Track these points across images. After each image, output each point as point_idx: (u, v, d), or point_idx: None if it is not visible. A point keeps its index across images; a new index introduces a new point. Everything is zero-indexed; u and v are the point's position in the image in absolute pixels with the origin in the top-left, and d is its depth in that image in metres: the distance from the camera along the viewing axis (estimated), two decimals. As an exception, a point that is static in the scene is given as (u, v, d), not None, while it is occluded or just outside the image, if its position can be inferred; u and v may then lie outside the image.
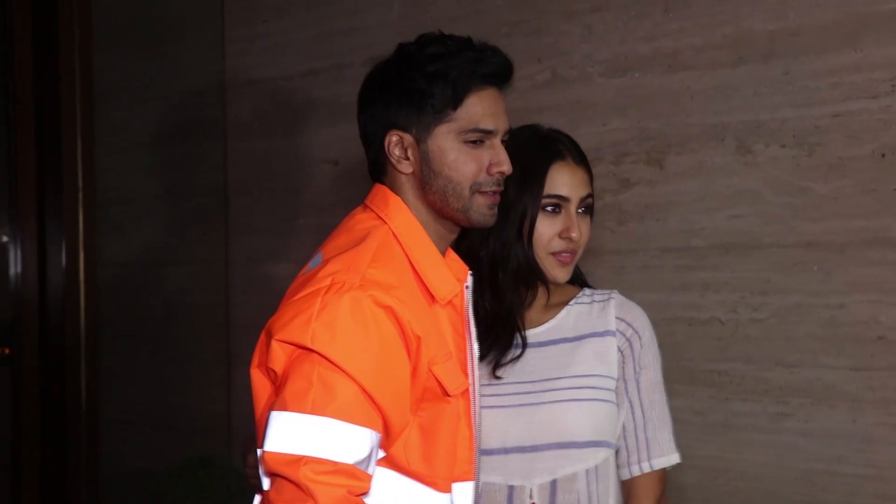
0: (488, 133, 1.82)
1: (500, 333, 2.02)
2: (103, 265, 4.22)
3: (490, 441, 1.98)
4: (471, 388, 1.87)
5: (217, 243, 3.85)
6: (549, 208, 2.01)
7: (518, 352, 2.02)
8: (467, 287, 1.93)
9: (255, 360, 1.78)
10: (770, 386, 2.59)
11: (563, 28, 2.91)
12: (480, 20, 3.06)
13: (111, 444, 4.20)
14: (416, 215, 1.86)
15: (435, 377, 1.76)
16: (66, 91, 4.11)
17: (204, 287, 3.92)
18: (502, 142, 1.86)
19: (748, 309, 2.61)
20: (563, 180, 2.01)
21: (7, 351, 4.21)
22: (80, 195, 4.14)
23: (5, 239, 4.22)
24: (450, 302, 1.87)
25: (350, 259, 1.75)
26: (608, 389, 2.02)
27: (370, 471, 1.68)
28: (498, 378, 2.01)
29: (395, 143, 1.84)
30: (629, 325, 2.05)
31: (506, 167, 1.84)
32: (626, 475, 2.05)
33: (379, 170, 1.90)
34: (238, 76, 3.76)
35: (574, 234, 2.00)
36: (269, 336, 1.72)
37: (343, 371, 1.65)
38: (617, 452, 2.05)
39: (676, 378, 2.67)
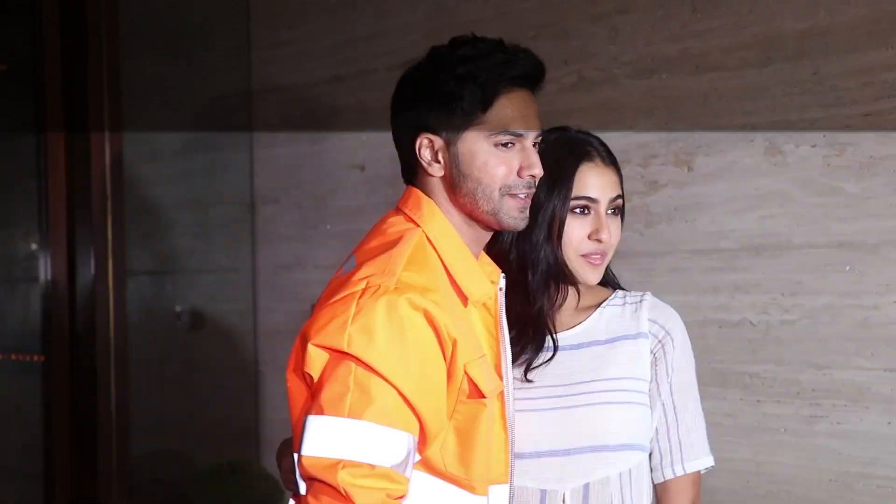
0: (518, 136, 1.81)
1: (531, 336, 2.01)
2: (131, 273, 4.24)
3: (523, 445, 1.97)
4: (505, 391, 1.87)
5: (244, 250, 3.86)
6: (577, 210, 2.00)
7: (549, 354, 2.01)
8: (501, 289, 1.93)
9: (291, 364, 1.78)
10: (802, 388, 2.56)
11: (590, 30, 2.90)
12: (506, 23, 3.05)
13: (141, 451, 4.21)
14: (448, 218, 1.85)
15: (471, 379, 1.76)
16: (94, 99, 4.13)
17: (231, 294, 3.93)
18: (535, 145, 1.85)
19: (779, 310, 2.60)
20: (591, 182, 2.00)
21: (38, 358, 4.23)
22: (109, 203, 4.16)
23: (35, 247, 4.24)
24: (483, 304, 1.87)
25: (384, 262, 1.75)
26: (641, 392, 2.00)
27: (407, 474, 1.68)
28: (530, 381, 2.00)
29: (426, 146, 1.83)
30: (661, 327, 2.03)
31: (536, 170, 1.82)
32: (659, 478, 2.03)
33: (411, 172, 1.89)
34: (264, 83, 3.77)
35: (604, 236, 1.99)
36: (305, 340, 1.72)
37: (380, 375, 1.64)
38: (650, 455, 2.04)
39: (708, 380, 2.65)
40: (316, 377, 1.70)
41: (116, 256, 4.18)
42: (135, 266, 4.23)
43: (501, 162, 1.80)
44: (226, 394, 3.92)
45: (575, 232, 2.00)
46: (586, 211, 2.00)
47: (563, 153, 1.95)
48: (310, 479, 1.66)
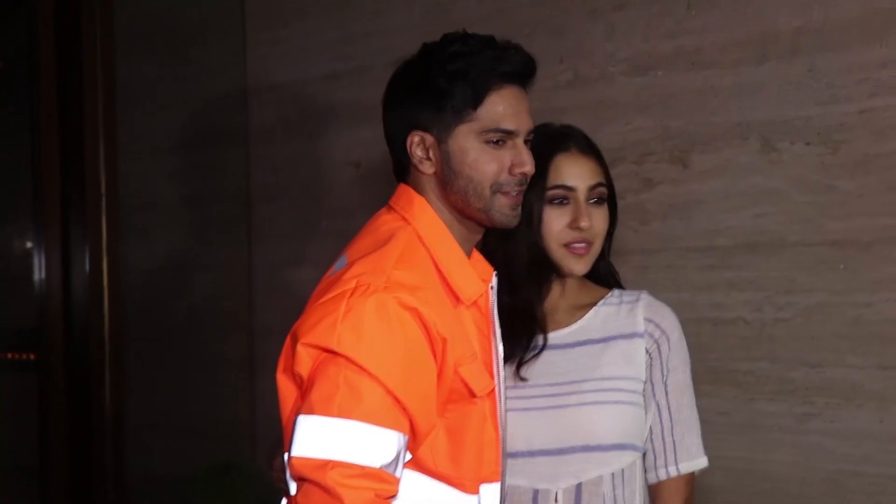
0: (509, 133, 1.81)
1: (519, 331, 2.00)
2: (127, 271, 4.23)
3: (516, 444, 1.96)
4: (496, 389, 1.86)
5: (240, 248, 3.85)
6: (556, 200, 1.99)
7: (537, 349, 2.01)
8: (492, 287, 1.92)
9: (281, 364, 1.77)
10: (796, 386, 2.56)
11: (586, 27, 2.90)
12: (502, 20, 3.05)
13: (136, 449, 4.21)
14: (439, 216, 1.85)
15: (462, 378, 1.76)
16: (89, 97, 4.12)
17: (227, 292, 3.92)
18: (526, 142, 1.85)
19: (773, 308, 2.59)
20: (567, 170, 2.00)
21: (33, 356, 4.23)
22: (104, 201, 4.15)
23: (29, 245, 4.24)
24: (474, 303, 1.87)
25: (375, 261, 1.74)
26: (635, 392, 2.00)
27: (397, 473, 1.67)
28: (524, 380, 1.99)
29: (417, 144, 1.83)
30: (657, 326, 2.03)
31: (528, 167, 1.82)
32: (653, 479, 2.02)
33: (402, 170, 1.89)
34: (260, 80, 3.77)
35: (583, 224, 1.97)
36: (295, 340, 1.72)
37: (369, 374, 1.64)
38: (644, 456, 2.03)
39: (702, 378, 2.63)
40: (306, 376, 1.69)
41: (111, 254, 4.17)
42: (130, 264, 4.23)
43: (493, 159, 1.80)
44: (222, 392, 3.91)
45: (554, 222, 1.99)
46: (565, 201, 1.99)
47: (539, 145, 1.94)
48: (300, 480, 1.66)
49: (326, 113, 3.56)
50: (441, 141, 1.81)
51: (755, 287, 2.62)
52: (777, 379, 2.59)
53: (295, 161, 3.69)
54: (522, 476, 1.97)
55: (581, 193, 2.00)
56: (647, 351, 2.02)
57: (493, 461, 1.85)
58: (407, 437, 1.69)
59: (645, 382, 2.01)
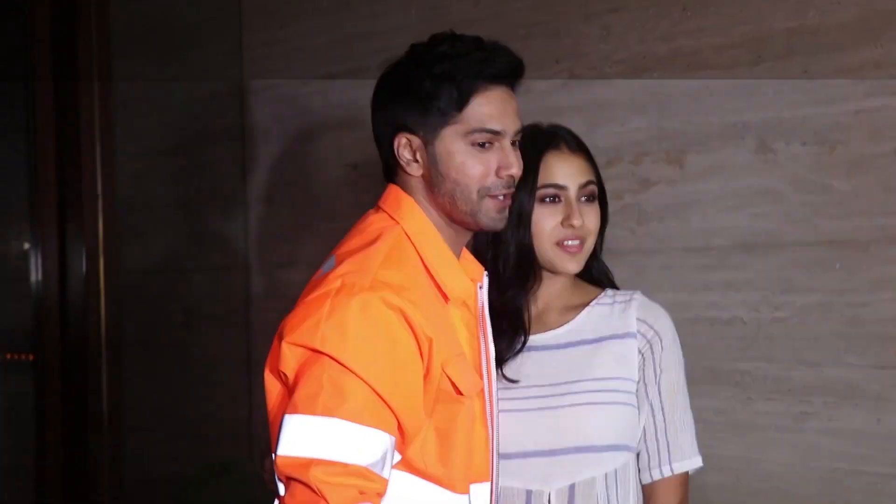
0: (495, 134, 1.80)
1: (505, 329, 2.01)
2: (123, 272, 4.23)
3: (509, 445, 1.96)
4: (486, 389, 1.86)
5: (237, 249, 3.85)
6: (547, 199, 2.00)
7: (518, 346, 2.01)
8: (481, 287, 1.92)
9: (269, 363, 1.77)
10: (793, 385, 2.57)
11: (582, 29, 2.91)
12: (498, 22, 3.05)
13: (133, 450, 4.21)
14: (427, 216, 1.85)
15: (449, 378, 1.75)
16: (85, 98, 4.13)
17: (224, 293, 3.92)
18: (514, 143, 1.85)
19: (770, 308, 2.60)
20: (557, 169, 2.00)
21: (29, 357, 4.23)
22: (100, 202, 4.15)
23: (26, 246, 4.24)
24: (464, 303, 1.87)
25: (361, 261, 1.74)
26: (628, 392, 2.00)
27: (385, 474, 1.67)
28: (514, 380, 2.00)
29: (404, 146, 1.83)
30: (650, 326, 2.03)
31: (514, 170, 1.82)
32: (647, 479, 2.02)
33: (391, 171, 1.89)
34: (257, 81, 3.76)
35: (575, 222, 1.98)
36: (280, 339, 1.72)
37: (354, 373, 1.64)
38: (638, 456, 2.04)
39: (699, 378, 2.65)
40: (290, 376, 1.69)
41: (108, 255, 4.17)
42: (126, 264, 4.23)
43: (479, 162, 1.80)
44: (218, 393, 3.91)
45: (546, 221, 1.99)
46: (556, 199, 2.00)
47: (528, 144, 1.94)
48: (286, 479, 1.66)
49: (323, 114, 3.56)
50: (428, 143, 1.81)
51: (752, 287, 2.63)
52: (774, 378, 2.59)
53: (291, 162, 3.68)
54: (515, 477, 1.97)
55: (572, 192, 2.00)
56: (639, 351, 2.02)
57: (484, 461, 1.85)
58: (394, 437, 1.68)
59: (638, 383, 2.01)
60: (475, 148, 1.80)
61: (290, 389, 1.70)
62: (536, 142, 2.00)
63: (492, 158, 1.80)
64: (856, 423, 2.48)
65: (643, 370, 2.01)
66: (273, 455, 1.68)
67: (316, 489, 1.59)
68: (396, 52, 1.92)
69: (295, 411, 1.65)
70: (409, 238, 1.81)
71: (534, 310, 2.08)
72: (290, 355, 1.69)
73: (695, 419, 2.08)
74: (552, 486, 1.96)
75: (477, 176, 1.80)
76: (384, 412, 1.66)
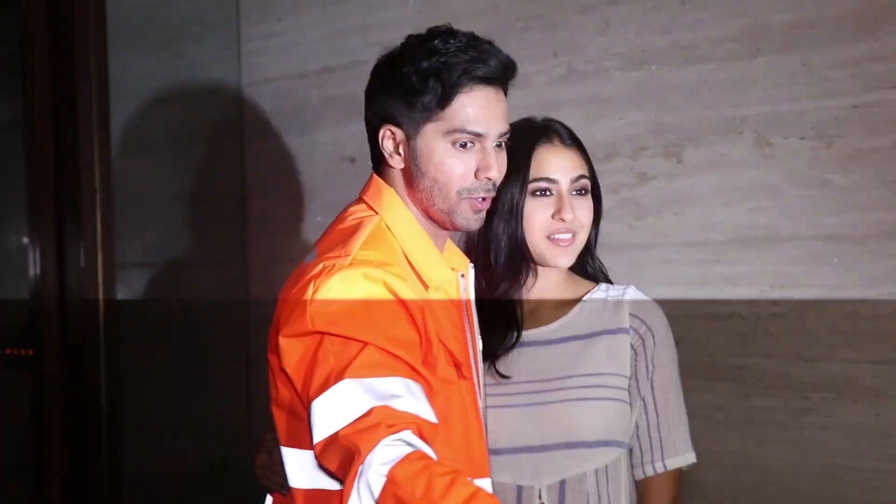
0: (476, 135, 1.79)
1: (498, 323, 2.00)
2: (122, 267, 4.22)
3: (499, 440, 1.96)
4: (475, 381, 1.85)
5: (236, 244, 3.85)
6: (538, 193, 1.99)
7: (511, 342, 2.01)
8: (463, 276, 1.92)
9: (270, 358, 1.77)
10: (791, 381, 2.56)
11: (579, 22, 2.89)
12: (496, 15, 3.04)
13: (132, 446, 4.21)
14: (407, 207, 1.85)
15: (445, 346, 1.75)
16: (82, 93, 4.12)
17: (223, 288, 3.92)
18: (499, 145, 1.83)
19: (768, 303, 2.59)
20: (549, 162, 1.99)
21: (27, 353, 4.23)
22: (98, 197, 4.15)
23: (24, 241, 4.24)
24: (446, 294, 1.86)
25: (341, 247, 1.75)
26: (620, 388, 2.00)
27: (418, 409, 1.58)
28: (505, 376, 1.99)
29: (388, 138, 1.83)
30: (643, 322, 2.02)
31: (493, 172, 1.80)
32: (639, 475, 2.02)
33: (375, 161, 1.90)
34: (254, 75, 3.75)
35: (566, 215, 1.97)
36: (277, 335, 1.72)
37: (351, 339, 1.63)
38: (631, 452, 2.03)
39: (697, 374, 2.65)
40: (291, 371, 1.69)
41: (106, 250, 4.17)
42: (125, 259, 4.22)
43: (459, 162, 1.79)
44: (217, 388, 3.91)
45: (537, 214, 1.99)
46: (548, 193, 1.99)
47: (520, 137, 1.93)
48: (335, 461, 1.60)
49: (321, 107, 3.56)
50: (410, 137, 1.80)
51: (750, 282, 2.62)
52: (772, 374, 2.59)
53: (289, 156, 3.68)
54: (506, 473, 1.97)
55: (564, 185, 1.99)
56: (631, 346, 2.01)
57: (481, 454, 1.85)
58: (412, 380, 1.63)
59: (630, 378, 2.01)
60: (455, 147, 1.79)
61: (297, 385, 1.70)
62: (529, 135, 1.99)
63: (471, 159, 1.79)
64: (854, 419, 2.48)
65: (635, 365, 2.00)
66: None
67: (349, 445, 1.54)
68: (394, 44, 1.91)
69: (317, 395, 1.63)
70: (388, 228, 1.81)
71: (527, 305, 2.07)
72: (287, 349, 1.69)
73: (693, 415, 2.07)
74: (543, 481, 1.95)
75: (456, 176, 1.79)
76: (394, 362, 1.63)
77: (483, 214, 1.84)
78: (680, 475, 2.03)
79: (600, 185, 2.11)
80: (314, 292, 1.67)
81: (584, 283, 2.11)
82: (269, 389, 1.80)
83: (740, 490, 2.64)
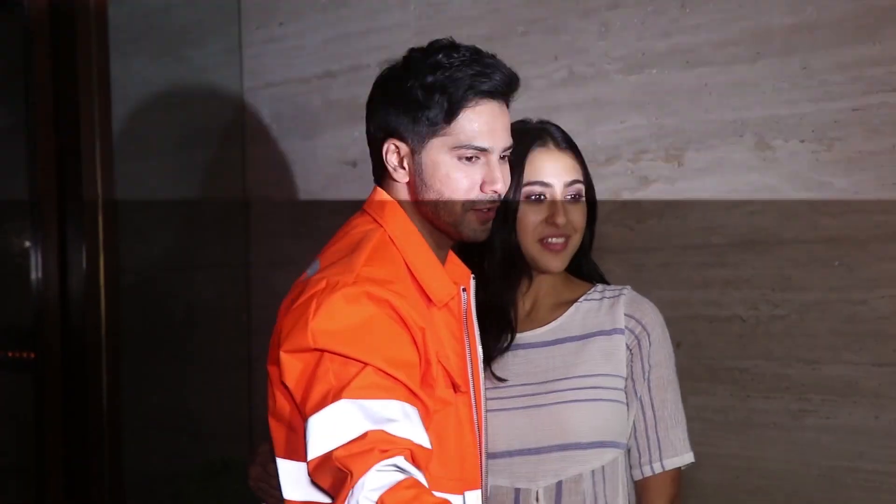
0: (482, 150, 1.80)
1: (491, 327, 2.00)
2: (124, 270, 4.23)
3: (496, 444, 1.96)
4: (472, 393, 1.86)
5: (237, 248, 3.85)
6: (533, 197, 1.99)
7: (504, 344, 2.01)
8: (464, 290, 1.92)
9: (270, 370, 1.77)
10: (791, 383, 2.57)
11: (580, 25, 2.90)
12: (497, 19, 3.05)
13: (133, 448, 4.21)
14: (411, 220, 1.85)
15: (444, 368, 1.76)
16: (84, 97, 4.12)
17: (225, 291, 3.92)
18: (503, 158, 1.84)
19: (769, 306, 2.60)
20: (543, 166, 1.99)
21: (29, 355, 4.23)
22: (101, 200, 4.15)
23: (26, 244, 4.24)
24: (447, 305, 1.86)
25: (345, 262, 1.75)
26: (615, 389, 1.99)
27: (412, 435, 1.60)
28: (502, 379, 1.99)
29: (392, 152, 1.83)
30: (638, 322, 2.02)
31: (499, 186, 1.82)
32: (638, 475, 2.02)
33: (379, 174, 1.90)
34: (256, 79, 3.76)
35: (559, 220, 1.97)
36: (277, 350, 1.72)
37: (352, 359, 1.64)
38: (629, 453, 2.03)
39: (697, 376, 2.65)
40: (291, 386, 1.69)
41: (108, 253, 4.17)
42: (127, 263, 4.22)
43: (464, 176, 1.80)
44: (219, 391, 3.91)
45: (530, 218, 1.99)
46: (542, 197, 1.99)
47: (515, 141, 1.92)
48: (328, 481, 1.63)
49: (322, 112, 3.56)
50: (415, 152, 1.81)
51: (751, 284, 2.62)
52: (773, 376, 2.59)
53: (291, 160, 3.68)
54: (503, 476, 1.97)
55: (557, 190, 1.99)
56: (627, 347, 2.01)
57: (474, 466, 1.85)
58: (409, 404, 1.65)
59: (626, 379, 2.01)
60: (461, 162, 1.80)
61: (296, 399, 1.70)
62: (523, 138, 1.98)
63: (477, 173, 1.81)
64: (854, 421, 2.48)
65: (631, 366, 2.00)
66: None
67: (342, 467, 1.56)
68: (395, 49, 1.92)
69: (313, 412, 1.64)
70: (392, 241, 1.82)
71: (523, 307, 2.07)
72: (288, 364, 1.70)
73: (693, 417, 2.08)
74: (539, 484, 1.96)
75: (462, 189, 1.80)
76: (392, 385, 1.64)
77: (489, 225, 1.85)
78: (679, 475, 2.03)
79: (602, 187, 2.13)
80: (316, 309, 1.67)
81: (581, 285, 2.11)
82: (266, 399, 1.80)
83: (741, 492, 2.64)
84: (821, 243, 2.53)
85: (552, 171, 1.99)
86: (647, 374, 2.00)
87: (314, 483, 1.67)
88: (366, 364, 1.63)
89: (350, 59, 3.46)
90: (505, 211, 1.97)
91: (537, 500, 1.95)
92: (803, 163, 2.54)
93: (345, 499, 1.52)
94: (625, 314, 2.02)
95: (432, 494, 1.53)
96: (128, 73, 4.19)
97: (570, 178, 2.00)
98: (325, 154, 3.57)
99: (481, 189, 1.81)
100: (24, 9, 4.14)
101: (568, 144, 2.04)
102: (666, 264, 2.75)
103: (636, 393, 2.00)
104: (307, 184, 3.63)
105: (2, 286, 4.45)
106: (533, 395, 1.98)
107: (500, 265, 2.02)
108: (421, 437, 1.62)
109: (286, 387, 1.71)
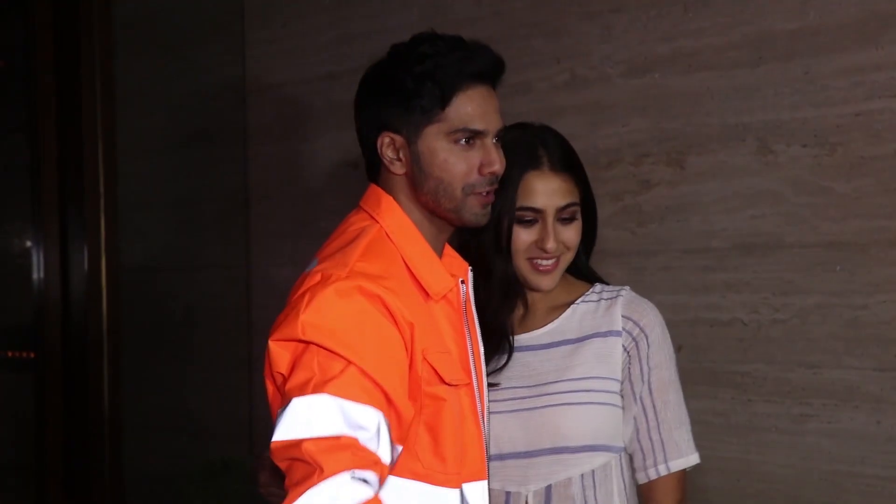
0: (478, 133, 1.82)
1: (486, 346, 1.98)
2: (125, 270, 4.23)
3: (489, 447, 1.96)
4: (475, 385, 1.86)
5: (238, 247, 3.86)
6: (525, 220, 1.98)
7: (504, 359, 2.00)
8: (463, 282, 1.93)
9: (266, 369, 1.78)
10: (793, 387, 2.57)
11: (583, 28, 2.90)
12: (499, 21, 3.05)
13: (134, 448, 4.21)
14: (408, 214, 1.86)
15: (430, 365, 1.76)
16: (87, 96, 4.13)
17: (225, 291, 3.93)
18: (496, 140, 1.85)
19: (770, 310, 2.60)
20: (536, 191, 1.97)
21: (30, 355, 4.23)
22: (102, 200, 4.16)
23: (28, 243, 4.25)
24: (445, 298, 1.87)
25: (339, 256, 1.76)
26: (609, 392, 1.98)
27: (381, 451, 1.64)
28: (496, 384, 1.99)
29: (387, 145, 1.84)
30: (636, 324, 2.00)
31: (497, 167, 1.83)
32: (643, 479, 2.00)
33: (374, 170, 1.91)
34: (258, 80, 3.77)
35: (549, 246, 1.96)
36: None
37: (339, 355, 1.64)
38: (633, 456, 2.02)
39: (699, 379, 2.65)
40: (286, 373, 1.69)
41: (109, 253, 4.17)
42: (128, 262, 4.23)
43: (462, 160, 1.81)
44: (219, 391, 3.92)
45: (521, 239, 1.98)
46: (534, 221, 1.98)
47: (511, 158, 1.91)
48: (283, 465, 1.64)
49: (324, 112, 3.56)
50: (411, 142, 1.82)
51: (752, 288, 2.62)
52: (774, 380, 2.59)
53: (292, 160, 3.69)
54: (495, 479, 1.96)
55: (549, 214, 1.98)
56: (624, 349, 1.99)
57: (478, 459, 1.85)
58: (383, 413, 1.66)
59: (623, 382, 1.99)
60: (458, 146, 1.81)
61: (281, 384, 1.71)
62: (520, 157, 1.96)
63: (474, 156, 1.82)
64: (855, 425, 2.48)
65: (629, 368, 1.99)
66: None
67: (310, 460, 1.57)
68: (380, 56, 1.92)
69: (293, 395, 1.64)
70: (388, 236, 1.83)
71: (519, 310, 2.07)
72: (277, 353, 1.70)
73: (694, 421, 2.07)
74: (529, 487, 1.95)
75: (460, 174, 1.81)
76: (373, 390, 1.65)
77: (489, 209, 1.87)
78: (685, 477, 2.02)
79: (603, 191, 2.13)
80: (308, 302, 1.68)
81: (579, 285, 2.10)
82: (267, 399, 1.80)
83: (742, 496, 2.65)
84: (822, 248, 2.53)
85: (545, 197, 1.97)
86: (646, 376, 1.98)
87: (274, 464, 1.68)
88: (351, 362, 1.64)
89: (352, 61, 3.46)
90: (498, 229, 1.97)
91: (527, 502, 1.95)
92: (805, 167, 2.54)
93: (305, 489, 1.55)
94: (622, 316, 2.01)
95: None
96: (130, 72, 4.20)
97: (563, 203, 1.98)
98: (326, 155, 3.57)
99: (479, 172, 1.82)
100: (27, 7, 4.14)
101: (564, 164, 2.01)
102: (667, 268, 2.75)
103: (635, 396, 1.98)
104: (308, 184, 3.64)
105: (3, 285, 4.46)
106: (525, 398, 1.97)
107: (497, 285, 2.01)
108: (385, 454, 1.65)
109: (280, 375, 1.71)
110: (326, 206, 3.55)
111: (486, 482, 1.86)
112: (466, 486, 1.81)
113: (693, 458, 2.02)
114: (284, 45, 3.68)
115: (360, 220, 1.87)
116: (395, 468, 1.74)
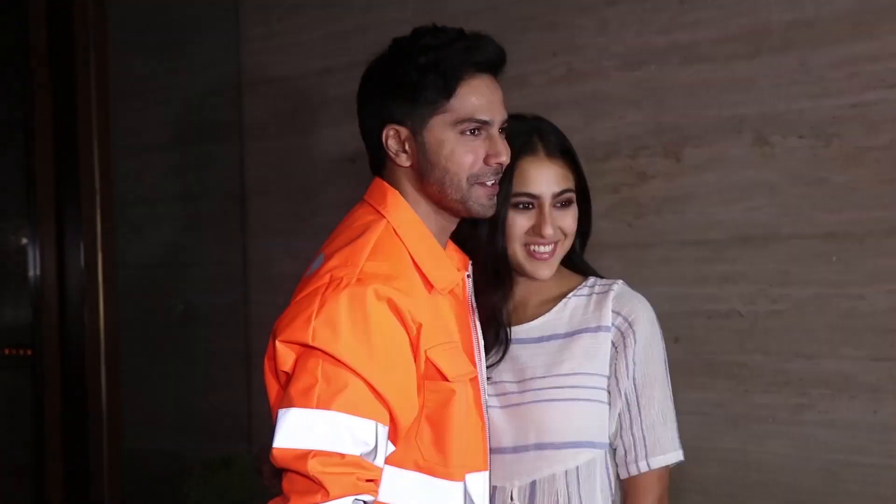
0: (484, 123, 1.82)
1: (484, 332, 1.99)
2: (121, 266, 4.23)
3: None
4: (480, 378, 1.87)
5: (235, 244, 3.85)
6: (521, 206, 1.98)
7: (501, 353, 2.00)
8: (468, 276, 1.93)
9: (267, 364, 1.79)
10: (790, 377, 2.58)
11: (579, 22, 2.91)
12: (495, 15, 3.05)
13: (132, 444, 4.21)
14: (414, 208, 1.86)
15: (432, 363, 1.77)
16: (82, 93, 4.13)
17: (222, 287, 3.92)
18: (501, 130, 1.86)
19: (767, 301, 2.61)
20: (531, 177, 1.97)
21: (27, 352, 4.23)
22: (98, 197, 4.15)
23: (24, 241, 4.24)
24: (451, 291, 1.88)
25: (348, 255, 1.76)
26: (596, 388, 1.96)
27: (379, 463, 1.68)
28: (487, 377, 1.99)
29: (392, 137, 1.84)
30: (625, 318, 1.98)
31: (503, 157, 1.84)
32: (624, 474, 1.98)
33: (378, 164, 1.91)
34: (254, 75, 3.76)
35: (545, 231, 1.96)
36: (274, 339, 1.73)
37: (346, 366, 1.66)
38: (615, 451, 2.01)
39: (696, 371, 2.66)
40: (290, 373, 1.71)
41: (106, 250, 4.17)
42: (125, 259, 4.23)
43: (469, 150, 1.81)
44: (217, 387, 3.92)
45: (517, 226, 1.97)
46: (530, 206, 1.97)
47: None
48: (284, 470, 1.67)
49: (320, 108, 3.56)
50: (416, 133, 1.82)
51: (749, 280, 2.63)
52: (771, 371, 2.60)
53: (289, 156, 3.69)
54: None
55: (545, 200, 1.97)
56: (612, 344, 1.97)
57: (480, 450, 1.87)
58: (387, 426, 1.70)
59: (609, 377, 1.98)
60: (464, 136, 1.81)
61: (284, 384, 1.72)
62: (513, 145, 1.94)
63: (480, 146, 1.82)
64: (852, 415, 2.49)
65: (615, 363, 1.97)
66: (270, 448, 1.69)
67: (315, 479, 1.61)
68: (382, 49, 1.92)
69: (290, 405, 1.66)
70: (394, 231, 1.83)
71: (511, 302, 2.06)
72: (284, 353, 1.71)
73: (692, 412, 2.07)
74: (515, 483, 1.95)
75: (467, 164, 1.82)
76: (377, 403, 1.67)
77: (495, 199, 1.87)
78: (667, 474, 2.00)
79: (600, 183, 2.12)
80: (320, 307, 1.69)
81: (572, 278, 2.08)
82: (270, 402, 1.80)
83: (740, 486, 2.65)
84: (819, 239, 2.53)
85: (540, 182, 1.96)
86: (631, 371, 1.96)
87: (273, 468, 1.71)
88: (357, 374, 1.66)
89: (348, 56, 3.46)
90: (493, 218, 1.95)
91: (512, 498, 1.95)
92: (801, 159, 2.55)
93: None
94: (612, 311, 1.98)
95: None
96: (126, 68, 4.19)
97: (559, 189, 1.97)
98: (322, 150, 3.57)
99: (486, 162, 1.82)
100: (22, 4, 4.14)
101: (560, 151, 2.00)
102: (664, 260, 2.76)
103: (620, 391, 1.96)
104: (305, 180, 3.63)
105: (0, 283, 4.45)
106: (512, 393, 1.96)
107: (490, 270, 2.00)
108: (381, 461, 1.69)
109: (284, 374, 1.72)
110: (324, 201, 3.55)
111: (486, 473, 1.87)
112: (469, 477, 1.82)
113: (675, 456, 1.99)
114: (280, 40, 3.68)
115: (365, 214, 1.86)
116: (396, 460, 1.75)
